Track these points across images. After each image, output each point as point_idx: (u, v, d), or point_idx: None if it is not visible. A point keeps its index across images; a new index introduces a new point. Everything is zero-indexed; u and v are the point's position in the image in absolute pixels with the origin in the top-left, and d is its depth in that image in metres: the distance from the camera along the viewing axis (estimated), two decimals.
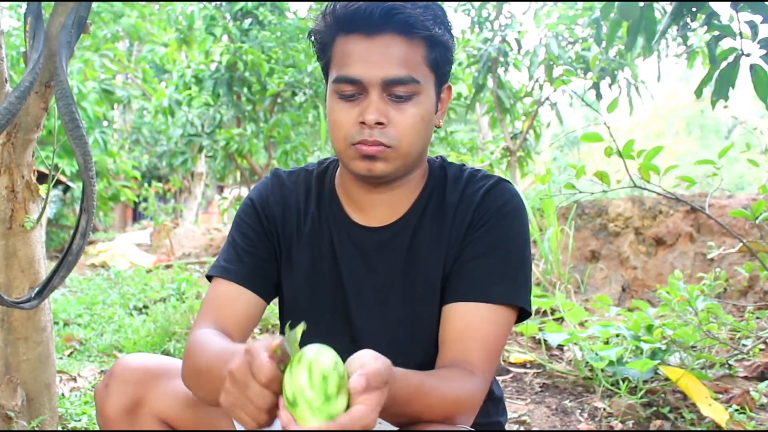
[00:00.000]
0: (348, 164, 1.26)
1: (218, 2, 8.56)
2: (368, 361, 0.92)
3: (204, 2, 8.58)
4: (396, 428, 1.12)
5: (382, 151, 1.21)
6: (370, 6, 1.18)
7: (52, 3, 1.87)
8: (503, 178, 1.35)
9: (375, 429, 0.90)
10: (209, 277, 1.38)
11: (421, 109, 1.23)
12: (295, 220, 1.39)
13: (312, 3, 9.03)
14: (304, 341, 0.92)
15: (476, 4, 7.30)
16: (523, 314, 1.29)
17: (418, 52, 1.21)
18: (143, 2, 12.14)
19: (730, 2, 2.31)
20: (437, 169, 1.39)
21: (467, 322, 1.23)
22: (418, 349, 1.32)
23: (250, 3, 8.26)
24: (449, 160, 1.43)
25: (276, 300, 1.47)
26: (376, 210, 1.35)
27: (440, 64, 1.26)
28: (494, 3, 7.21)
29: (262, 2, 8.28)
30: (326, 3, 1.26)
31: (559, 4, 7.07)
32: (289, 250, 1.39)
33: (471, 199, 1.31)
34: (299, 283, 1.38)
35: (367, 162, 1.22)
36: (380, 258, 1.34)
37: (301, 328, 0.92)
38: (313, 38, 1.30)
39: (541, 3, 7.22)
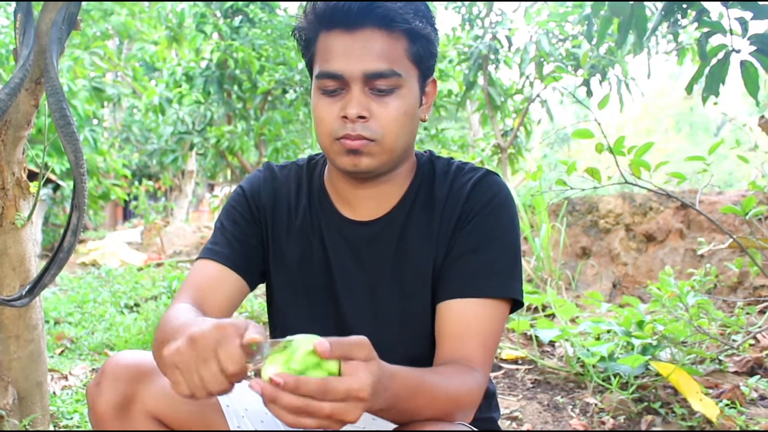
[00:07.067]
0: (334, 160, 1.27)
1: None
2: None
3: None
4: (393, 426, 1.12)
5: (365, 145, 1.22)
6: (349, 1, 1.19)
7: None
8: (490, 171, 1.35)
9: (373, 429, 0.89)
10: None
11: (404, 103, 1.23)
12: (285, 214, 1.40)
13: (302, 0, 9.01)
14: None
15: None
16: (515, 304, 1.30)
17: (399, 46, 1.22)
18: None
19: None
20: (425, 163, 1.39)
21: (463, 318, 1.24)
22: (408, 342, 1.32)
23: (240, 0, 8.24)
24: (437, 154, 1.44)
25: (265, 298, 1.46)
26: (364, 205, 1.36)
27: (423, 58, 1.26)
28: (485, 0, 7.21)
29: None
30: (309, 1, 1.26)
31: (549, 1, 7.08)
32: (279, 243, 1.39)
33: (459, 192, 1.32)
34: (289, 277, 1.38)
35: (352, 157, 1.23)
36: (370, 252, 1.35)
37: (299, 343, 0.89)
38: (297, 35, 1.30)
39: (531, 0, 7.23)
